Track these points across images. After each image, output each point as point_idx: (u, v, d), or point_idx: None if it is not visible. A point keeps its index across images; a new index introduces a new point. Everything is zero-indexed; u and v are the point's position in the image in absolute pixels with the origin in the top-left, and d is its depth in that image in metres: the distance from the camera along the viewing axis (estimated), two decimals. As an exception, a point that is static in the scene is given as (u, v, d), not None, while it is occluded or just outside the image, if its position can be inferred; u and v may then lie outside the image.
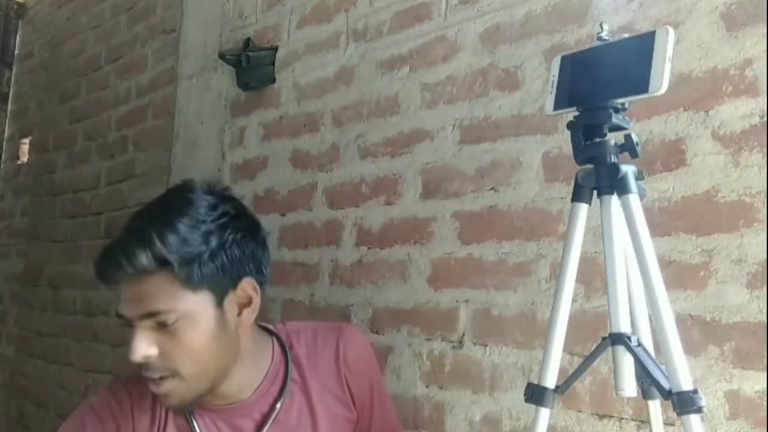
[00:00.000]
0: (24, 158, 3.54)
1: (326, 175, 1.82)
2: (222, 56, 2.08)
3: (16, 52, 3.78)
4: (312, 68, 1.90)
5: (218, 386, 1.03)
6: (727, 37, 1.17)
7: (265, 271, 1.07)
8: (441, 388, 1.48)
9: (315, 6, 1.93)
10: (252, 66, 2.02)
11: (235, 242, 1.01)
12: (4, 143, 3.73)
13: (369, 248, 1.68)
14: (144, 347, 0.96)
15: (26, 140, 3.54)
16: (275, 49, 2.03)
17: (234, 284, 1.01)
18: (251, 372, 1.07)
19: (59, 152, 3.15)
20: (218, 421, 1.06)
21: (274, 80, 2.01)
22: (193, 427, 1.05)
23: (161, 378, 0.98)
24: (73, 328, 2.82)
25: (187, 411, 1.04)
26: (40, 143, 3.36)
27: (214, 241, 0.98)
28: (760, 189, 1.11)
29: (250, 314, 1.04)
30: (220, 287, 0.99)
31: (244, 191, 2.06)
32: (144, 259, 0.94)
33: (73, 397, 2.74)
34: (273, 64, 2.02)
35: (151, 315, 0.96)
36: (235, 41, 2.15)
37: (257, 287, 1.04)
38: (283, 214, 1.93)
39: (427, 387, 1.51)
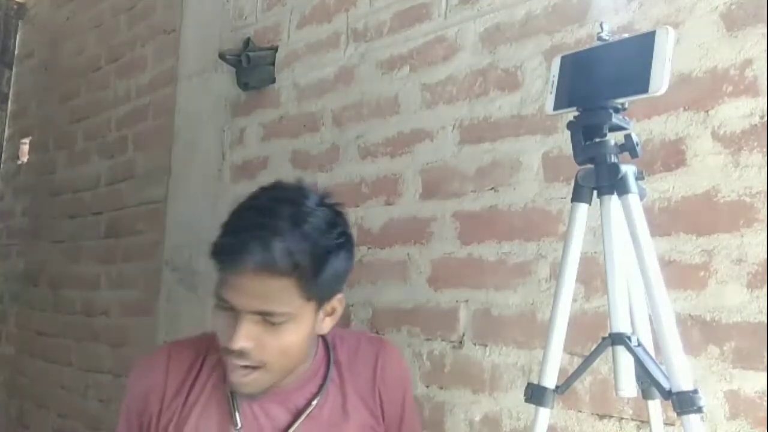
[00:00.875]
0: (24, 158, 3.54)
1: (326, 175, 1.82)
2: (222, 56, 2.08)
3: (16, 52, 3.78)
4: (312, 68, 1.91)
5: None
6: (727, 37, 1.17)
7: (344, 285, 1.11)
8: (441, 388, 1.48)
9: (315, 6, 1.93)
10: (252, 66, 2.02)
11: (344, 262, 1.05)
12: (4, 143, 3.73)
13: (369, 248, 1.69)
14: (245, 338, 0.98)
15: (26, 140, 3.54)
16: (275, 49, 2.03)
17: (331, 297, 1.07)
18: (297, 369, 1.11)
19: (59, 152, 3.15)
20: (254, 406, 1.09)
21: (274, 80, 2.01)
22: (233, 406, 1.08)
23: (247, 367, 1.01)
24: (73, 328, 2.82)
25: (255, 397, 1.07)
26: (40, 143, 3.36)
27: (331, 260, 1.02)
28: (760, 189, 1.11)
29: (330, 323, 1.09)
30: (323, 299, 1.05)
31: (244, 191, 2.05)
32: (283, 261, 0.96)
33: (73, 397, 2.74)
34: (273, 64, 2.02)
35: (264, 313, 0.98)
36: (235, 41, 2.15)
37: (343, 300, 1.10)
38: (283, 214, 1.93)
39: (427, 387, 1.51)
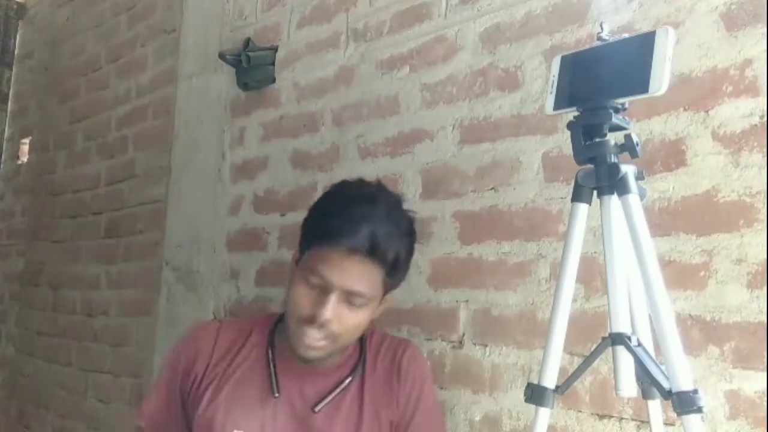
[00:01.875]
0: (24, 158, 3.54)
1: (326, 175, 1.82)
2: (222, 56, 2.08)
3: (16, 52, 3.78)
4: (312, 68, 1.91)
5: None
6: (727, 37, 1.17)
7: None
8: (441, 388, 1.48)
9: (315, 6, 1.93)
10: (252, 66, 2.02)
11: (411, 262, 1.21)
12: (4, 143, 3.73)
13: (369, 248, 1.68)
14: (332, 311, 1.11)
15: (26, 140, 3.54)
16: (275, 49, 2.03)
17: (393, 291, 1.21)
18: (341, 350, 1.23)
19: (59, 152, 3.15)
20: (291, 379, 1.22)
21: (274, 80, 2.01)
22: (271, 374, 1.21)
23: (324, 337, 1.14)
24: (73, 328, 2.82)
25: (315, 362, 1.19)
26: (40, 143, 3.36)
27: (410, 259, 1.19)
28: (760, 189, 1.11)
29: (380, 309, 1.21)
30: (390, 291, 1.20)
31: (244, 191, 2.06)
32: (385, 252, 1.11)
33: (73, 397, 2.74)
34: (273, 64, 2.02)
35: (352, 293, 1.12)
36: (235, 41, 2.15)
37: (394, 295, 1.23)
38: (283, 214, 1.93)
39: (427, 387, 1.51)
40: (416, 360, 1.28)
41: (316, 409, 1.19)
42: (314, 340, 1.13)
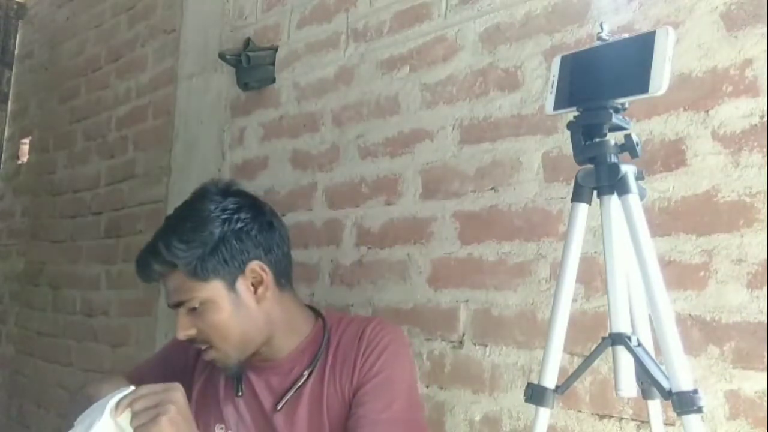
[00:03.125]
0: (24, 158, 3.54)
1: (326, 175, 1.82)
2: (222, 56, 2.08)
3: (16, 52, 3.78)
4: (312, 68, 1.90)
5: (260, 350, 1.21)
6: (727, 37, 1.17)
7: (276, 250, 1.22)
8: (441, 388, 1.48)
9: (315, 6, 1.93)
10: (252, 66, 2.02)
11: (234, 234, 1.17)
12: (4, 143, 3.73)
13: (369, 248, 1.69)
14: (184, 329, 1.16)
15: (26, 140, 3.54)
16: (275, 49, 2.03)
17: (242, 269, 1.17)
18: (286, 338, 1.22)
19: (59, 152, 3.15)
20: (255, 377, 1.23)
21: (274, 80, 2.01)
22: (238, 378, 1.24)
23: (205, 349, 1.18)
24: (73, 328, 2.82)
25: (233, 372, 1.22)
26: (40, 143, 3.36)
27: (213, 239, 1.15)
28: (760, 189, 1.11)
29: (264, 291, 1.19)
30: (228, 274, 1.16)
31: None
32: (156, 266, 1.16)
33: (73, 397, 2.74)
34: (273, 64, 2.02)
35: (180, 304, 1.16)
36: (235, 41, 2.15)
37: (266, 267, 1.19)
38: (283, 214, 1.91)
39: (427, 387, 1.51)
40: (380, 330, 1.21)
41: (278, 407, 1.20)
42: (204, 355, 1.19)
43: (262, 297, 1.18)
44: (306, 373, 1.20)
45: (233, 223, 1.17)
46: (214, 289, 1.15)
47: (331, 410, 1.18)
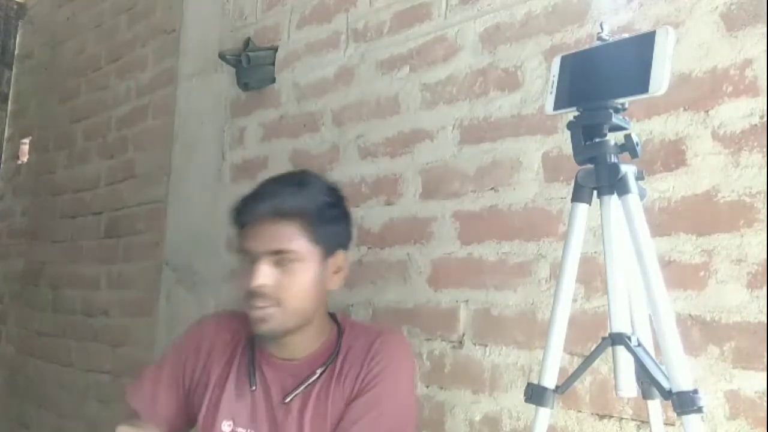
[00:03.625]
0: (24, 158, 3.54)
1: (326, 175, 1.82)
2: (222, 56, 2.08)
3: (16, 52, 3.78)
4: (312, 68, 1.90)
5: (291, 336, 1.22)
6: (727, 37, 1.17)
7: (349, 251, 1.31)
8: (441, 388, 1.48)
9: (315, 6, 1.93)
10: (252, 66, 2.02)
11: (342, 218, 1.27)
12: (4, 143, 3.73)
13: (369, 248, 1.68)
14: (263, 276, 1.16)
15: (26, 140, 3.53)
16: (275, 49, 2.03)
17: (334, 251, 1.24)
18: (309, 338, 1.24)
19: (59, 152, 3.15)
20: (270, 373, 1.25)
21: (274, 80, 2.01)
22: (252, 368, 1.25)
23: (268, 306, 1.17)
24: (73, 328, 2.82)
25: (274, 338, 1.22)
26: (40, 143, 3.36)
27: (330, 211, 1.23)
28: (760, 189, 1.11)
29: (337, 280, 1.25)
30: (328, 248, 1.22)
31: (244, 191, 2.05)
32: (289, 203, 1.18)
33: (73, 397, 2.74)
34: (273, 64, 2.02)
35: (277, 252, 1.17)
36: (235, 41, 2.14)
37: (347, 260, 1.27)
38: (283, 214, 1.93)
39: (427, 387, 1.51)
40: (389, 345, 1.22)
41: (286, 400, 1.21)
42: (260, 310, 1.17)
43: (332, 283, 1.25)
44: (318, 371, 1.22)
45: (340, 208, 1.27)
46: (314, 253, 1.20)
47: (333, 414, 1.19)
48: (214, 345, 1.30)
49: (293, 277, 1.18)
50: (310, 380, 1.21)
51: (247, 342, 1.28)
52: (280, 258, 1.17)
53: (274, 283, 1.16)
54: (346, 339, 1.25)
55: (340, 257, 1.25)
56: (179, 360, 1.32)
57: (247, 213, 1.20)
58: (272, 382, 1.24)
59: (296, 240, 1.18)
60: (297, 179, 1.25)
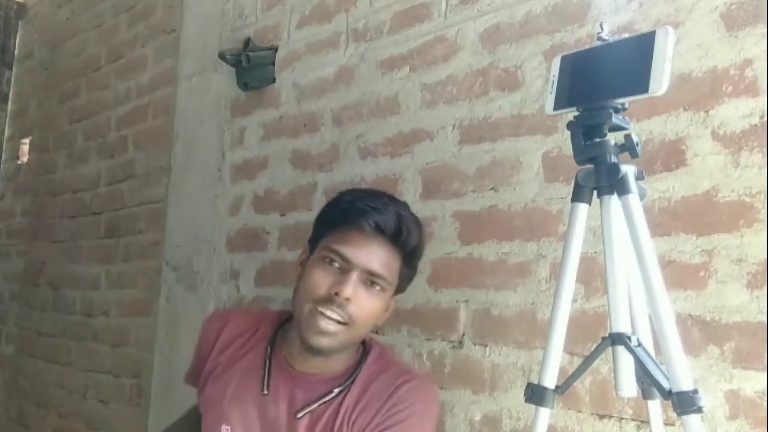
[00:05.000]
0: (24, 158, 3.54)
1: (326, 175, 1.82)
2: (222, 56, 2.08)
3: (16, 52, 3.78)
4: (312, 68, 1.91)
5: (323, 356, 1.16)
6: (727, 37, 1.17)
7: None
8: (441, 388, 1.48)
9: (315, 6, 1.93)
10: (252, 66, 2.02)
11: (417, 267, 1.23)
12: (4, 143, 3.73)
13: (369, 248, 1.68)
14: (354, 289, 1.11)
15: (26, 140, 3.54)
16: (275, 49, 2.03)
17: (400, 293, 1.22)
18: (336, 360, 1.19)
19: (59, 152, 3.15)
20: (283, 381, 1.20)
21: (274, 80, 2.02)
22: (265, 371, 1.20)
23: (340, 322, 1.12)
24: (73, 328, 2.82)
25: (320, 354, 1.15)
26: (40, 143, 3.36)
27: (419, 256, 1.21)
28: (760, 189, 1.11)
29: (385, 318, 1.21)
30: (399, 289, 1.21)
31: (244, 191, 2.06)
32: (412, 239, 1.15)
33: (73, 397, 2.74)
34: (273, 64, 2.02)
35: (373, 274, 1.13)
36: (235, 41, 2.15)
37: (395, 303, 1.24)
38: (283, 214, 1.93)
39: (427, 387, 1.50)
40: (413, 396, 1.14)
41: (299, 415, 1.16)
42: (329, 323, 1.11)
43: (382, 319, 1.21)
44: (336, 391, 1.17)
45: (424, 247, 1.23)
46: (392, 288, 1.18)
47: None
48: (213, 345, 1.27)
49: (373, 303, 1.14)
50: (326, 399, 1.16)
51: (268, 343, 1.23)
52: (371, 280, 1.13)
53: (355, 301, 1.11)
54: (370, 364, 1.20)
55: (395, 298, 1.22)
56: (197, 365, 1.30)
57: (365, 220, 1.12)
58: (284, 391, 1.18)
59: (393, 271, 1.15)
60: (412, 213, 1.20)
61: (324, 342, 1.12)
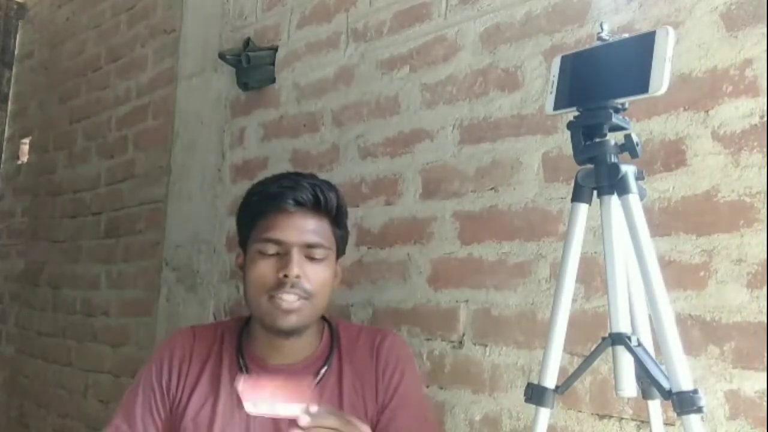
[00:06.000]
0: (24, 158, 3.54)
1: (326, 175, 1.81)
2: (222, 56, 2.08)
3: (16, 52, 3.78)
4: (312, 68, 1.91)
5: (297, 336, 1.19)
6: (727, 37, 1.17)
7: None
8: (441, 388, 1.48)
9: (315, 6, 1.93)
10: (252, 66, 2.02)
11: (347, 225, 1.27)
12: (4, 143, 3.73)
13: (369, 248, 1.69)
14: (299, 266, 1.15)
15: (26, 140, 3.54)
16: (275, 49, 2.03)
17: (341, 255, 1.26)
18: (308, 339, 1.23)
19: (59, 152, 3.15)
20: (263, 380, 1.17)
21: (274, 80, 2.01)
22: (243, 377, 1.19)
23: (300, 297, 1.16)
24: (73, 328, 2.82)
25: (292, 334, 1.19)
26: (40, 143, 3.36)
27: (345, 216, 1.25)
28: (760, 189, 1.11)
29: (336, 284, 1.25)
30: (339, 251, 1.24)
31: (244, 191, 2.05)
32: (331, 201, 1.19)
33: (73, 397, 2.74)
34: (273, 64, 2.02)
35: (311, 246, 1.17)
36: (235, 41, 2.15)
37: (341, 270, 1.28)
38: (283, 214, 1.93)
39: (427, 387, 1.50)
40: (395, 346, 1.26)
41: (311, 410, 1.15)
42: (291, 302, 1.14)
43: (335, 284, 1.24)
44: (323, 371, 1.21)
45: (346, 209, 1.27)
46: (333, 253, 1.21)
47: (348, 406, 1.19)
48: (189, 358, 1.25)
49: (321, 272, 1.17)
50: (317, 380, 1.19)
51: (234, 351, 1.24)
52: (311, 252, 1.16)
53: (305, 276, 1.15)
54: (343, 335, 1.26)
55: (339, 263, 1.26)
56: (152, 385, 1.25)
57: (282, 201, 1.16)
58: (265, 396, 1.16)
59: (328, 236, 1.19)
60: (323, 180, 1.24)
61: (293, 319, 1.15)
